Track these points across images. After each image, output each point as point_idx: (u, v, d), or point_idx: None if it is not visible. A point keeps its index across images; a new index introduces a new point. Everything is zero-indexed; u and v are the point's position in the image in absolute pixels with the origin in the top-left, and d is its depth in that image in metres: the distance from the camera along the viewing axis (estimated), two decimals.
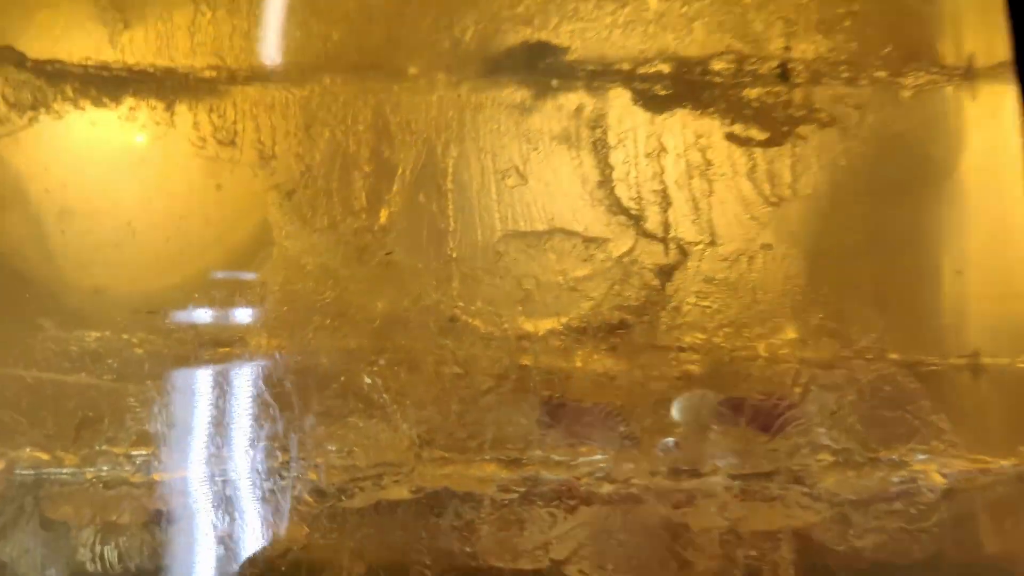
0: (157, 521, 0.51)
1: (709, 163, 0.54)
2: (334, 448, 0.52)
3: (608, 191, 0.54)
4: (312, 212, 0.53)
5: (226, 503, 0.52)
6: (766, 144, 0.54)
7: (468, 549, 0.51)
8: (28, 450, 0.52)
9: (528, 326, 0.53)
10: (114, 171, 0.54)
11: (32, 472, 0.52)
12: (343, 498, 0.51)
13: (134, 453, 0.52)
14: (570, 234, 0.53)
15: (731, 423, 0.51)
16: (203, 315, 0.53)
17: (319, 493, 0.51)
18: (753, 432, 0.51)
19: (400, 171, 0.53)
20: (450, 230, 0.53)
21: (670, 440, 0.51)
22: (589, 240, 0.53)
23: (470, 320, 0.53)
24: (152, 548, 0.51)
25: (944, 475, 0.51)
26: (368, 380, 0.52)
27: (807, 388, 0.52)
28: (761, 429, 0.51)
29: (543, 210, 0.54)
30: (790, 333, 0.53)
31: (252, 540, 0.51)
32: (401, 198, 0.53)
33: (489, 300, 0.53)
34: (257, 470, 0.51)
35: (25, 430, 0.52)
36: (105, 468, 0.52)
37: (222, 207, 0.54)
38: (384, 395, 0.52)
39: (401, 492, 0.51)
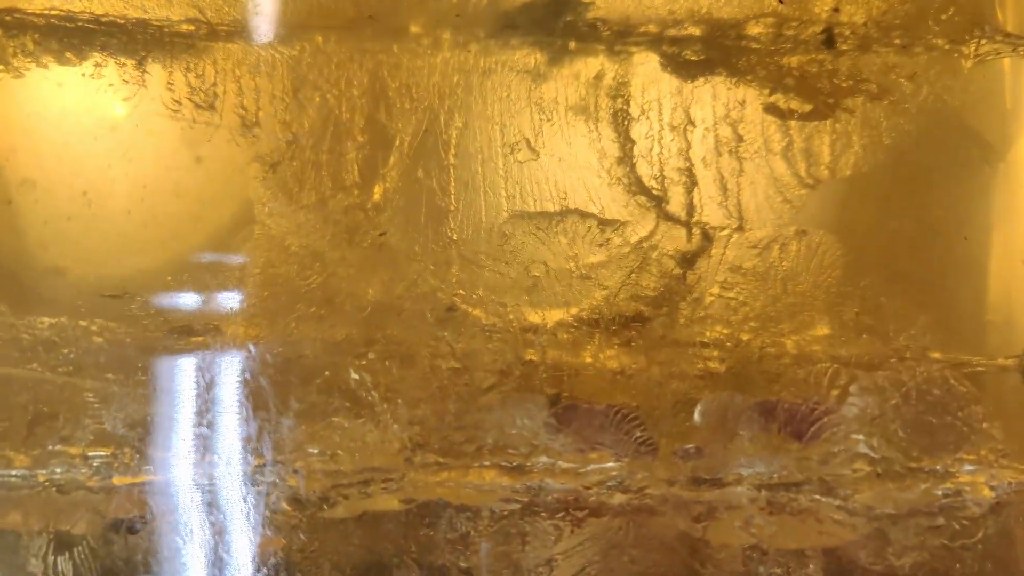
0: (116, 530, 0.49)
1: (740, 139, 0.51)
2: (316, 451, 0.49)
3: (628, 168, 0.51)
4: (299, 187, 0.50)
5: (194, 511, 0.49)
6: (809, 117, 0.51)
7: (463, 564, 0.48)
8: None
9: (535, 317, 0.50)
10: (76, 136, 0.51)
11: None
12: (325, 507, 0.49)
13: (91, 454, 0.49)
14: (585, 216, 0.51)
15: (761, 429, 0.48)
16: (173, 300, 0.50)
17: (298, 501, 0.48)
18: (784, 439, 0.48)
19: (398, 142, 0.50)
20: (451, 209, 0.50)
21: (691, 446, 0.48)
22: (605, 223, 0.51)
23: (471, 310, 0.50)
24: (111, 561, 0.49)
25: (993, 488, 0.49)
26: (356, 375, 0.49)
27: (846, 390, 0.49)
28: (794, 436, 0.48)
29: (555, 188, 0.51)
30: (822, 329, 0.51)
31: (223, 553, 0.49)
32: (398, 173, 0.50)
33: (492, 288, 0.50)
34: (230, 475, 0.49)
35: None
36: (59, 470, 0.49)
37: (198, 179, 0.51)
38: (373, 392, 0.49)
39: (390, 501, 0.49)
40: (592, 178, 0.51)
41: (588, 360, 0.50)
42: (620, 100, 0.51)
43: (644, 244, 0.51)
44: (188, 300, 0.50)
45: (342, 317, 0.50)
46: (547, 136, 0.51)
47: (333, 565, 0.48)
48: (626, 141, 0.51)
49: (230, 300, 0.50)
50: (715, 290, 0.50)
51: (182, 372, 0.49)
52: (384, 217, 0.50)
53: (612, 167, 0.51)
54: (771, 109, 0.51)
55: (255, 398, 0.48)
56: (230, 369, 0.49)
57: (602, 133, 0.51)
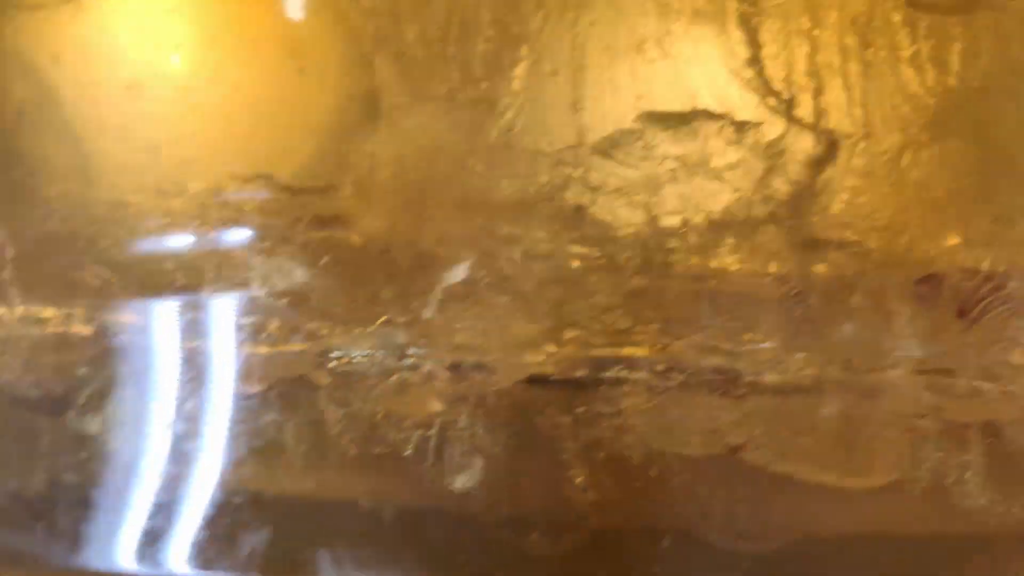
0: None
1: (867, 45, 0.53)
2: (464, 325, 0.50)
3: (757, 70, 0.52)
4: (426, 80, 0.52)
5: (345, 382, 0.50)
6: (951, 12, 0.52)
7: (624, 439, 0.49)
8: None
9: (669, 220, 0.51)
10: (195, 30, 0.53)
11: None
12: (475, 376, 0.50)
13: (245, 322, 0.51)
14: (714, 116, 0.52)
15: (922, 305, 0.49)
16: (306, 189, 0.52)
17: (449, 370, 0.50)
18: (947, 316, 0.49)
19: (525, 38, 0.52)
20: (580, 107, 0.52)
21: (848, 326, 0.49)
22: (735, 124, 0.52)
23: (600, 210, 0.51)
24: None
25: None
26: (495, 260, 0.51)
27: (1007, 275, 0.50)
28: (957, 314, 0.49)
29: (685, 89, 0.52)
30: (955, 238, 0.52)
31: (379, 423, 0.50)
32: (526, 68, 0.52)
33: (623, 187, 0.52)
34: (382, 348, 0.50)
35: (118, 291, 0.51)
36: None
37: (324, 71, 0.53)
38: (516, 280, 0.51)
39: (544, 369, 0.50)
40: (721, 79, 0.52)
41: (723, 263, 0.51)
42: (747, 3, 0.53)
43: (774, 147, 0.52)
44: (321, 188, 0.52)
45: (475, 209, 0.51)
46: (675, 37, 0.52)
47: (487, 435, 0.49)
48: (754, 44, 0.52)
49: (363, 190, 0.51)
50: (845, 195, 0.52)
51: (320, 254, 0.51)
52: (511, 113, 0.52)
53: (741, 69, 0.52)
54: (912, 3, 0.53)
55: (397, 280, 0.50)
56: (367, 255, 0.50)
57: (730, 35, 0.52)
